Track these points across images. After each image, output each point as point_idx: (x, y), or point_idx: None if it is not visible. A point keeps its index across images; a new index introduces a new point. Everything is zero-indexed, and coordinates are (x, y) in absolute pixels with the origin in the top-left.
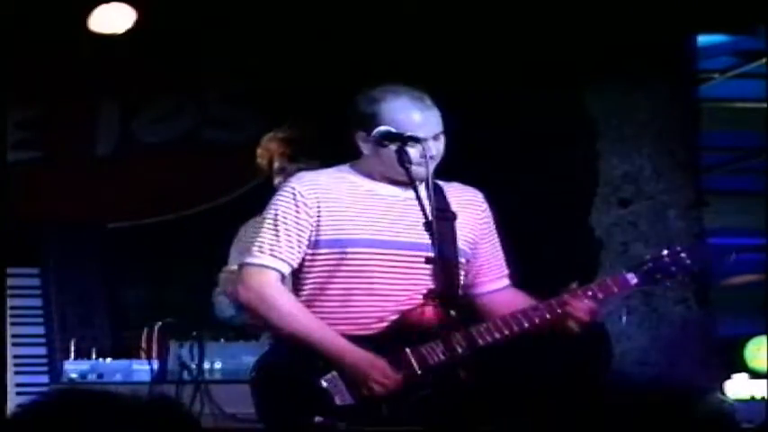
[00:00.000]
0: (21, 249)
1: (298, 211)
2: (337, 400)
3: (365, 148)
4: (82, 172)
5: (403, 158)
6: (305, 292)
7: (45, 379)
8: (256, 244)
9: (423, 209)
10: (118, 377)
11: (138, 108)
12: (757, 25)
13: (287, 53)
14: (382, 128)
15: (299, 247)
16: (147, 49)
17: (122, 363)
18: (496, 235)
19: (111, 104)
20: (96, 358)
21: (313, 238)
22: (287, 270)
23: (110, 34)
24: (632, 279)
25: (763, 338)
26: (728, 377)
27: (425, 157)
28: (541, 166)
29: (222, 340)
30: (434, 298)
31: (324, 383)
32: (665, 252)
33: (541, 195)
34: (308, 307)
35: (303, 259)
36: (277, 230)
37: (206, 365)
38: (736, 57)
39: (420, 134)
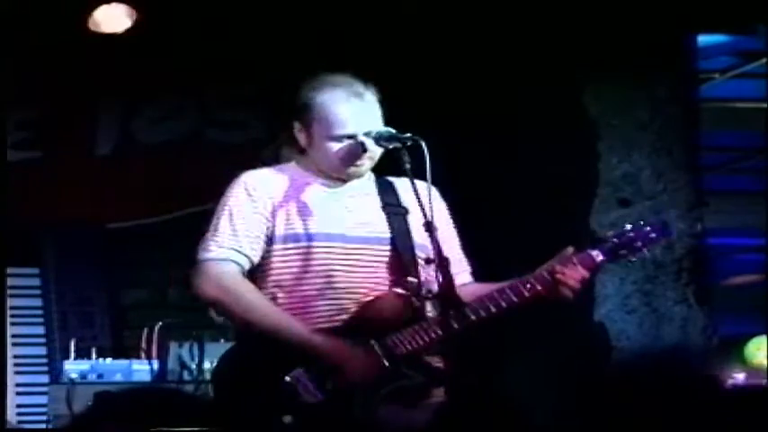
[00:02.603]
0: (21, 249)
1: (255, 206)
2: (304, 398)
3: (301, 139)
4: (82, 172)
5: (403, 159)
6: (263, 291)
7: (45, 379)
8: (214, 239)
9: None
10: (118, 377)
11: (138, 108)
12: (757, 25)
13: (287, 53)
14: (382, 128)
15: (258, 241)
16: (147, 49)
17: (122, 363)
18: (454, 230)
19: (111, 104)
20: (96, 358)
21: (268, 234)
22: (247, 265)
23: (110, 34)
24: (597, 256)
25: (763, 338)
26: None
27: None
28: (540, 166)
29: (222, 340)
30: (395, 289)
31: (288, 380)
32: (629, 227)
33: (539, 195)
34: None
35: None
36: (234, 224)
37: (206, 365)
38: (736, 57)
39: (349, 130)
